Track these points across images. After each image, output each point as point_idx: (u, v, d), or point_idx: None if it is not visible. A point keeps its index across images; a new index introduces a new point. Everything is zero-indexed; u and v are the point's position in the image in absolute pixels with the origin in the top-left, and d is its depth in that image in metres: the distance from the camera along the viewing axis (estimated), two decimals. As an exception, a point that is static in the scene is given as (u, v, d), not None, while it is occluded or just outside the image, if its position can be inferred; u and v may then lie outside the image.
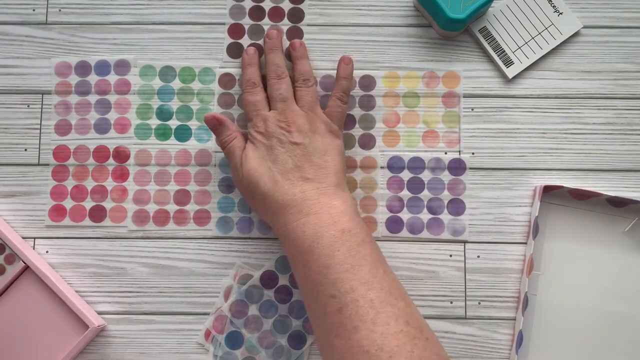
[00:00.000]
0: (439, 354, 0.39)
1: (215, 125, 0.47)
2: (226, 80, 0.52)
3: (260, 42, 0.52)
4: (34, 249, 0.50)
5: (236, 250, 0.50)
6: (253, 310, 0.49)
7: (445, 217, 0.50)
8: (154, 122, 0.52)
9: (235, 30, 0.52)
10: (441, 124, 0.51)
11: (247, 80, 0.48)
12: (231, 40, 0.52)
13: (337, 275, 0.40)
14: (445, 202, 0.51)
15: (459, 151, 0.51)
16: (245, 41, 0.52)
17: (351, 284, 0.39)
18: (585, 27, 0.52)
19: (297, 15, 0.52)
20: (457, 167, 0.51)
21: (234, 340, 0.49)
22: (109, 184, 0.51)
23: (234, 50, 0.52)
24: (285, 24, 0.52)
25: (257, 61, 0.50)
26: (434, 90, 0.52)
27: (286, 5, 0.52)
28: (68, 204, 0.51)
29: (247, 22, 0.52)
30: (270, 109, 0.47)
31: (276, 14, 0.52)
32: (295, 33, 0.52)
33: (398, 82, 0.52)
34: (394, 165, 0.51)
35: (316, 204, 0.42)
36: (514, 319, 0.49)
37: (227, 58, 0.52)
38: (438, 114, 0.52)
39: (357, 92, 0.52)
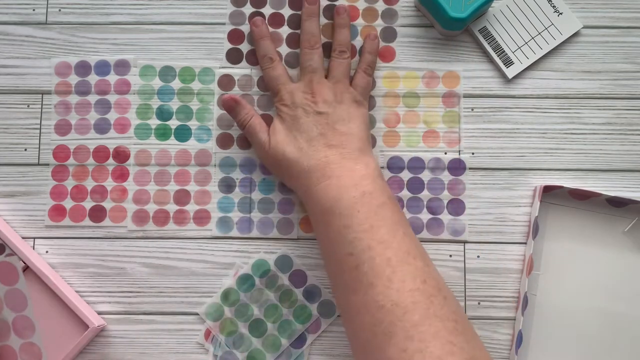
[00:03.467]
0: (456, 312, 0.40)
1: (232, 106, 0.48)
2: (226, 82, 0.52)
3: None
4: (33, 249, 0.50)
5: (236, 250, 0.50)
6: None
7: (445, 217, 0.50)
8: (154, 122, 0.52)
9: (236, 36, 0.52)
10: (441, 124, 0.51)
11: (263, 56, 0.49)
12: (231, 46, 0.52)
13: (356, 234, 0.41)
14: (445, 202, 0.51)
15: (459, 151, 0.51)
16: (244, 46, 0.52)
17: (369, 243, 0.40)
18: (585, 27, 0.52)
19: (296, 22, 0.52)
20: (457, 167, 0.51)
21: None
22: (109, 184, 0.51)
23: (234, 56, 0.52)
24: (284, 31, 0.52)
25: (267, 33, 0.50)
26: (434, 90, 0.52)
27: (286, 12, 0.52)
28: (68, 204, 0.51)
29: (247, 28, 0.52)
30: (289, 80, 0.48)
31: (276, 20, 0.52)
32: (293, 39, 0.52)
33: (398, 82, 0.52)
34: (394, 165, 0.51)
35: (339, 167, 0.44)
36: (514, 319, 0.49)
37: (227, 64, 0.52)
38: (438, 113, 0.52)
39: (357, 92, 0.52)
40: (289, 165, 0.45)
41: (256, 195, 0.51)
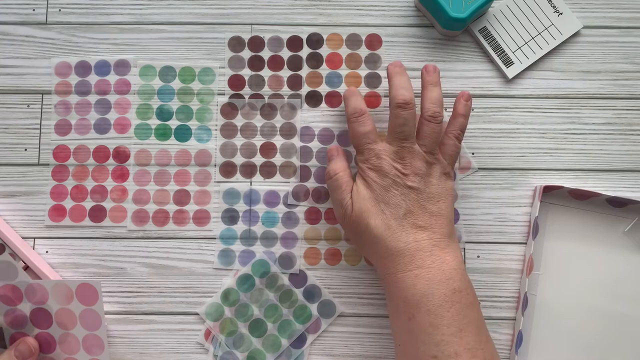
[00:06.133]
0: None
1: (332, 155, 0.47)
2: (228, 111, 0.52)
3: (261, 91, 0.51)
4: (34, 249, 0.50)
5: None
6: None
7: None
8: (154, 122, 0.52)
9: (237, 83, 0.52)
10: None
11: (353, 108, 0.45)
12: (232, 92, 0.52)
13: (443, 337, 0.39)
14: None
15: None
16: (246, 92, 0.52)
17: (456, 349, 0.39)
18: (585, 27, 0.52)
19: (297, 63, 0.52)
20: None
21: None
22: (109, 184, 0.51)
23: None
24: (285, 74, 0.52)
25: (359, 92, 0.47)
26: None
27: (285, 54, 0.52)
28: (68, 204, 0.51)
29: (247, 73, 0.52)
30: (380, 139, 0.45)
31: (276, 62, 0.52)
32: (295, 80, 0.52)
33: None
34: None
35: (429, 256, 0.41)
36: (514, 319, 0.49)
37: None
38: None
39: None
40: (374, 240, 0.42)
41: (259, 228, 0.51)
